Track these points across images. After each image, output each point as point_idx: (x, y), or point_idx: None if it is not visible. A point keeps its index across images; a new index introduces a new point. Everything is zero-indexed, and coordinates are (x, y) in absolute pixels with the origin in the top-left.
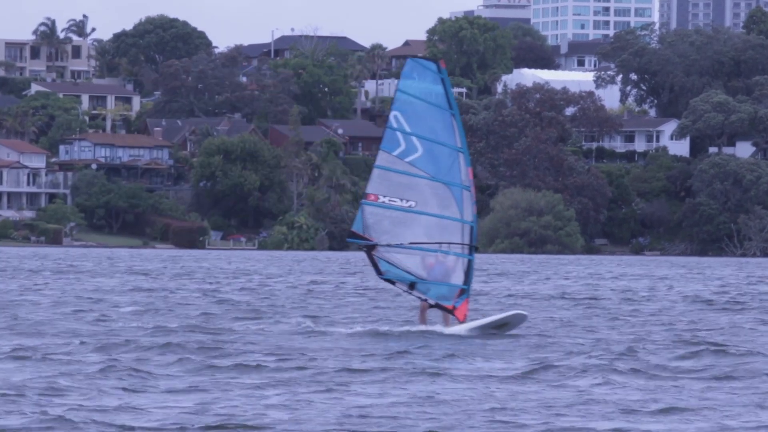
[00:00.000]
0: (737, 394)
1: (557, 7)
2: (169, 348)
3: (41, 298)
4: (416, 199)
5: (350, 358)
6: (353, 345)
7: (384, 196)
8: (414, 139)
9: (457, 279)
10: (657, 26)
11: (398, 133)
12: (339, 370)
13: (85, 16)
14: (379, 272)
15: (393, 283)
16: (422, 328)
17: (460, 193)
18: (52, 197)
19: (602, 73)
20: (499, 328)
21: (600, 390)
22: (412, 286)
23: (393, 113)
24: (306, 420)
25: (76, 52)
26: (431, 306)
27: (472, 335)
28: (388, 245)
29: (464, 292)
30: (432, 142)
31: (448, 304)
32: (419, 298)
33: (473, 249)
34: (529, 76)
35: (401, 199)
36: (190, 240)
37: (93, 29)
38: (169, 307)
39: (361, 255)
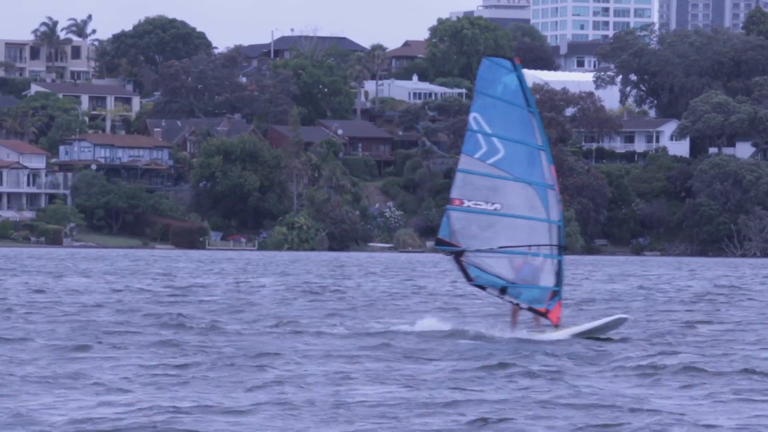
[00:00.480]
0: None
1: (557, 8)
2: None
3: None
4: (502, 201)
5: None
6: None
7: (469, 200)
8: (495, 140)
9: (548, 281)
10: (656, 27)
11: (479, 135)
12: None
13: (89, 16)
14: (468, 279)
15: (484, 288)
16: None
17: (544, 193)
18: (52, 198)
19: (602, 73)
20: (599, 331)
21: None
22: (503, 290)
23: (472, 115)
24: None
25: (76, 52)
26: (523, 309)
27: (576, 340)
28: (477, 250)
29: (556, 294)
30: (513, 142)
31: (541, 308)
32: (511, 302)
33: (562, 249)
34: (528, 76)
35: (486, 202)
36: (190, 240)
37: (94, 30)
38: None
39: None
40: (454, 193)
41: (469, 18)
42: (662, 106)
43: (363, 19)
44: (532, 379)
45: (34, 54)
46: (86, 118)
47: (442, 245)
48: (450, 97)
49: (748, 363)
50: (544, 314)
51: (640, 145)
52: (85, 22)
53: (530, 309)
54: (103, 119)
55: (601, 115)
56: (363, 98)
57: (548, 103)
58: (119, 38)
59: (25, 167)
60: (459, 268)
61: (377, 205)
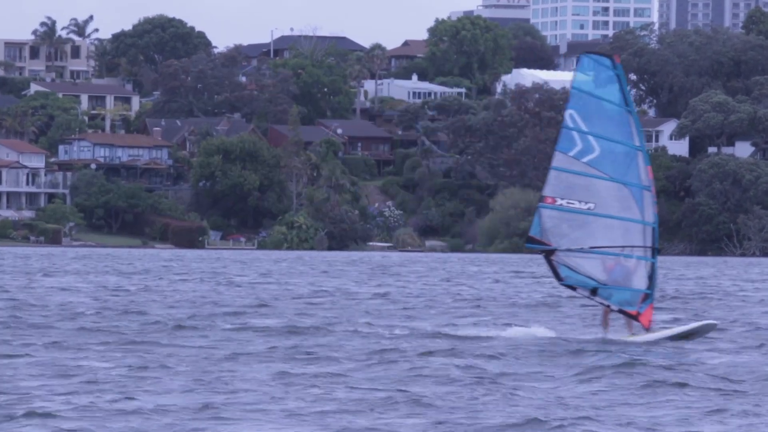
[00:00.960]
0: None
1: (556, 7)
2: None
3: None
4: (595, 200)
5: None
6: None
7: (562, 199)
8: (591, 138)
9: (640, 283)
10: (656, 26)
11: (574, 133)
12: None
13: (91, 16)
14: (559, 278)
15: (574, 288)
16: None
17: (640, 194)
18: (51, 197)
19: None
20: (687, 337)
21: None
22: (593, 291)
23: (568, 111)
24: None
25: (75, 52)
26: (614, 311)
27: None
28: (568, 250)
29: (648, 297)
30: (609, 141)
31: (632, 310)
32: (601, 303)
33: (656, 251)
34: (528, 76)
35: (580, 201)
36: (190, 240)
37: (95, 30)
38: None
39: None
40: (547, 191)
41: (468, 18)
42: (662, 106)
43: (363, 18)
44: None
45: (34, 53)
46: (86, 118)
47: (533, 243)
48: (449, 96)
49: None
50: (635, 317)
51: None
52: (86, 22)
53: (621, 311)
54: (103, 119)
55: None
56: (362, 98)
57: (548, 102)
58: (118, 38)
59: (25, 167)
60: (549, 267)
61: (376, 205)
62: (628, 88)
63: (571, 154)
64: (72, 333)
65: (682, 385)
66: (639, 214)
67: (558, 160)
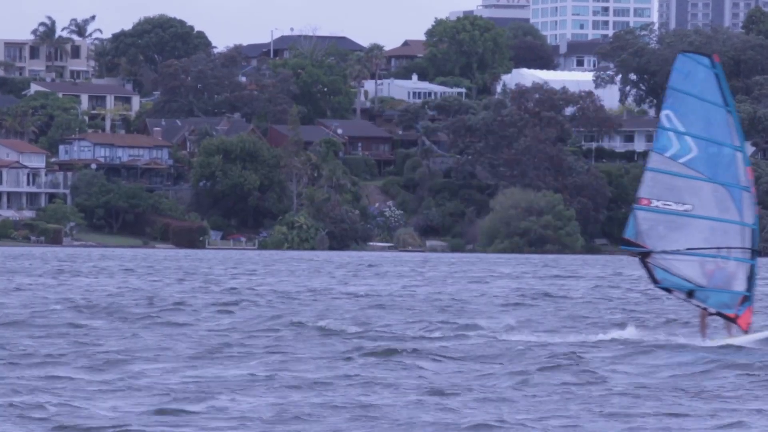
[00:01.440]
0: None
1: (556, 7)
2: None
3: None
4: (692, 202)
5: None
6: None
7: (657, 200)
8: (688, 138)
9: (739, 285)
10: (656, 26)
11: (671, 133)
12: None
13: (93, 16)
14: (655, 281)
15: (670, 291)
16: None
17: (739, 195)
18: (52, 197)
19: (601, 73)
20: None
21: None
22: (690, 294)
23: (665, 112)
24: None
25: (76, 52)
26: (711, 314)
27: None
28: (664, 252)
29: (747, 299)
30: (708, 142)
31: (730, 313)
32: (698, 306)
33: (755, 253)
34: (528, 76)
35: (676, 203)
36: (190, 240)
37: (97, 30)
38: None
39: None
40: (642, 192)
41: (468, 18)
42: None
43: (363, 18)
44: None
45: (34, 53)
46: (86, 118)
47: (628, 245)
48: (449, 96)
49: None
50: (733, 320)
51: (639, 145)
52: (86, 22)
53: (719, 314)
54: (103, 119)
55: (601, 114)
56: (362, 97)
57: (547, 102)
58: (119, 38)
59: (25, 167)
60: (644, 270)
61: (377, 205)
62: (628, 88)
63: (668, 154)
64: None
65: None
66: (738, 215)
67: (654, 161)
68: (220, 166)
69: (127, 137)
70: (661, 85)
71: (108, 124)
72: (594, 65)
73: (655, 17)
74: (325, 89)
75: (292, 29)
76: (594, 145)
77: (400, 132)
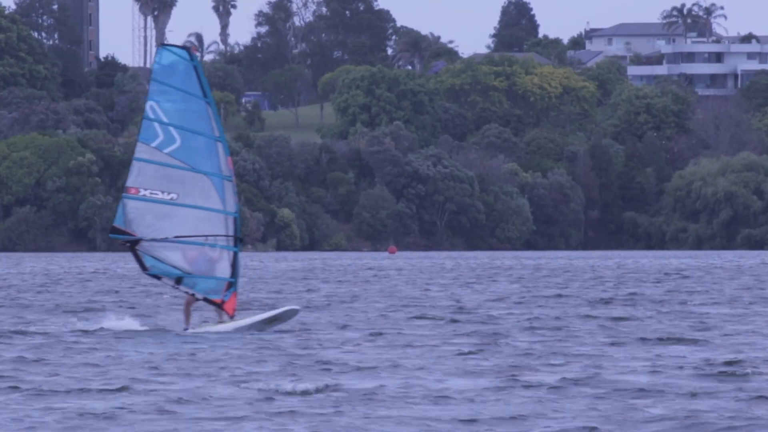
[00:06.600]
0: None
1: None
2: None
3: None
4: (178, 191)
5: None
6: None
7: (145, 189)
8: (172, 129)
9: (224, 272)
10: None
11: (156, 124)
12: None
13: None
14: (144, 268)
15: (159, 278)
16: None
17: (221, 184)
18: None
19: None
20: (270, 323)
21: None
22: (178, 280)
23: (149, 103)
24: None
25: None
26: (198, 300)
27: (246, 332)
28: (153, 240)
29: (232, 285)
30: (190, 132)
31: (217, 299)
32: (186, 292)
33: (239, 241)
34: None
35: (163, 192)
36: None
37: None
38: None
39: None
40: (130, 182)
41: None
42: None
43: None
44: None
45: None
46: None
47: (117, 234)
48: None
49: None
50: (220, 305)
51: None
52: None
53: (206, 299)
54: None
55: None
56: None
57: None
58: None
59: None
60: (135, 258)
61: None
62: None
63: (154, 144)
64: None
65: None
66: (220, 203)
67: (141, 151)
68: None
69: None
70: None
71: None
72: None
73: None
74: None
75: None
76: None
77: None
